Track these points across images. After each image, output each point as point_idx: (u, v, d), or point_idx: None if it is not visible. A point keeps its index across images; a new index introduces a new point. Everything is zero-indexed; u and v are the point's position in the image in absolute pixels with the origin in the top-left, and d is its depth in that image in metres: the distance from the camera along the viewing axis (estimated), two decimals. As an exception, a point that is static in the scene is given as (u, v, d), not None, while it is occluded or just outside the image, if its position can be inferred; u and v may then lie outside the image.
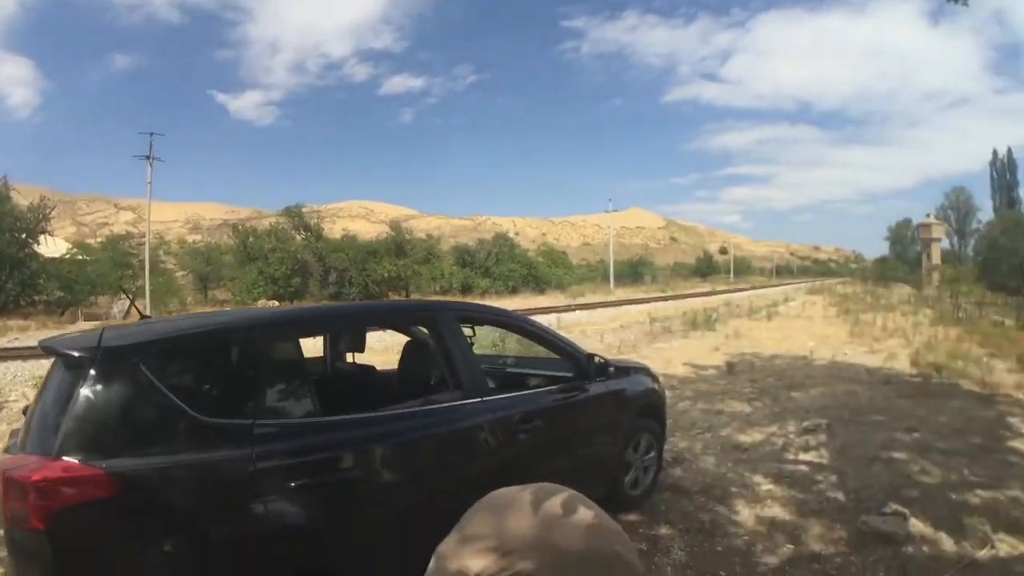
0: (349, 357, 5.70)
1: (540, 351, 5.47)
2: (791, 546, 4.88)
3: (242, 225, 54.68)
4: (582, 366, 5.03)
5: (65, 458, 2.57)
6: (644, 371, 6.18)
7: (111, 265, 37.16)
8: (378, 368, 5.59)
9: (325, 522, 3.06)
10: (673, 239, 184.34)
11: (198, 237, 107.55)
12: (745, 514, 5.50)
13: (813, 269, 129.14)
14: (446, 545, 1.64)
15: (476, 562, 1.34)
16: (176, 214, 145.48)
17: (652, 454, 5.88)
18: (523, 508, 1.65)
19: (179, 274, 49.17)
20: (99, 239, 57.70)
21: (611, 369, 5.25)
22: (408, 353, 4.92)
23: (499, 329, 5.79)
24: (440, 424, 3.81)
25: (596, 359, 5.10)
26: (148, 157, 40.06)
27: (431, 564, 1.61)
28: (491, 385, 4.51)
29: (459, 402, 3.93)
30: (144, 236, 42.68)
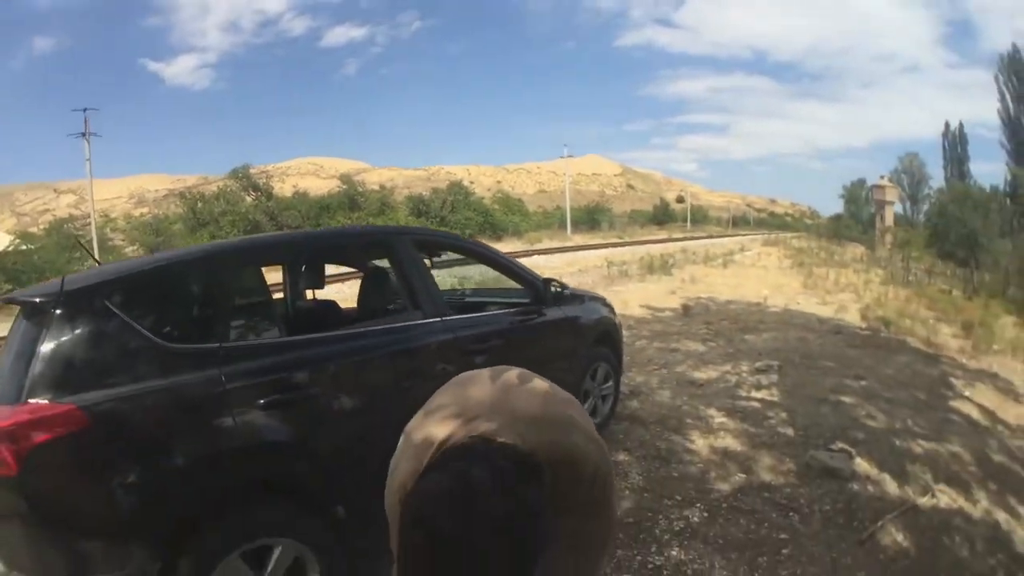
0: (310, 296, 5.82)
1: (498, 285, 5.58)
2: (743, 475, 5.25)
3: (189, 192, 53.46)
4: (539, 291, 5.17)
5: (33, 400, 2.64)
6: (600, 300, 6.38)
7: (58, 250, 35.82)
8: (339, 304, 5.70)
9: (294, 436, 3.23)
10: (630, 187, 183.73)
11: (145, 210, 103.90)
12: (699, 444, 5.85)
13: (769, 222, 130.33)
14: (412, 422, 1.83)
15: (441, 429, 1.52)
16: (119, 190, 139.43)
17: (609, 383, 6.14)
18: (483, 380, 1.86)
19: (129, 249, 47.83)
20: (42, 226, 56.07)
21: (567, 293, 5.44)
22: (367, 281, 5.01)
23: (458, 275, 5.86)
24: (400, 342, 3.96)
25: (553, 284, 5.25)
26: (84, 134, 38.59)
27: (399, 442, 1.78)
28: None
29: (418, 322, 4.08)
30: (89, 217, 41.36)
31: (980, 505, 5.34)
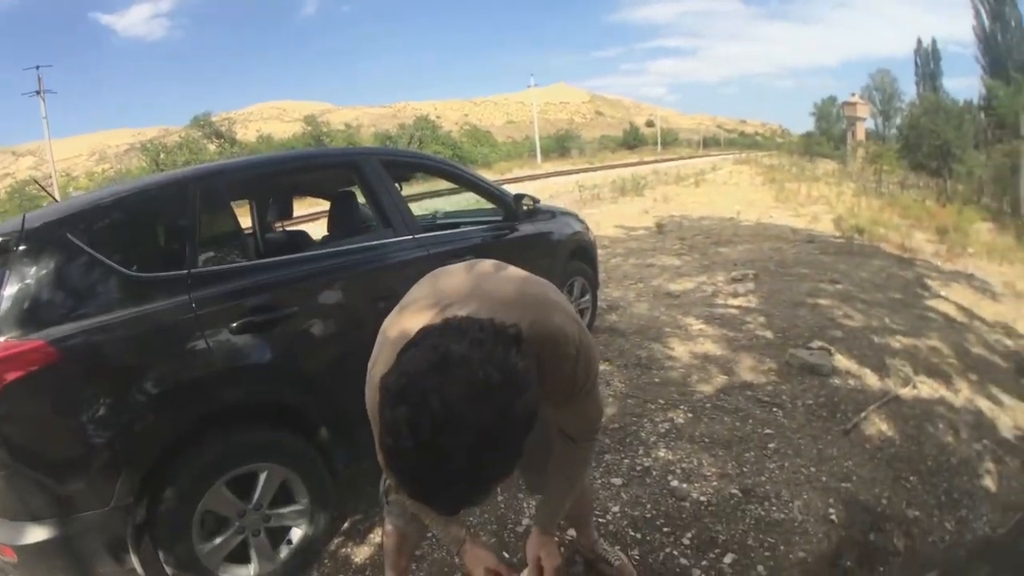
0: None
1: (470, 206, 5.51)
2: (724, 377, 5.32)
3: (151, 144, 52.36)
4: (510, 207, 5.14)
5: (1, 339, 2.58)
6: (572, 215, 6.36)
7: (21, 213, 35.14)
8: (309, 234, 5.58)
9: (270, 358, 3.20)
10: (599, 113, 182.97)
11: (107, 166, 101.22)
12: (679, 350, 5.91)
13: (740, 142, 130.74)
14: (388, 319, 1.83)
15: (416, 320, 1.53)
16: (80, 148, 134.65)
17: (587, 297, 6.18)
18: (457, 271, 1.87)
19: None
20: (3, 192, 54.99)
21: (539, 208, 5.41)
22: (336, 204, 4.92)
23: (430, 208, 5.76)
24: (373, 260, 3.91)
25: (525, 200, 5.22)
26: (39, 92, 37.90)
27: (377, 341, 1.78)
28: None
29: (390, 240, 4.03)
30: (50, 178, 40.40)
31: (962, 394, 5.49)
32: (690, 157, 62.79)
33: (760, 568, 3.13)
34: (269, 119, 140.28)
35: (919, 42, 66.88)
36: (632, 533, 3.37)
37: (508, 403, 1.17)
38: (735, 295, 7.84)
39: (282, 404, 3.32)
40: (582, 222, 6.39)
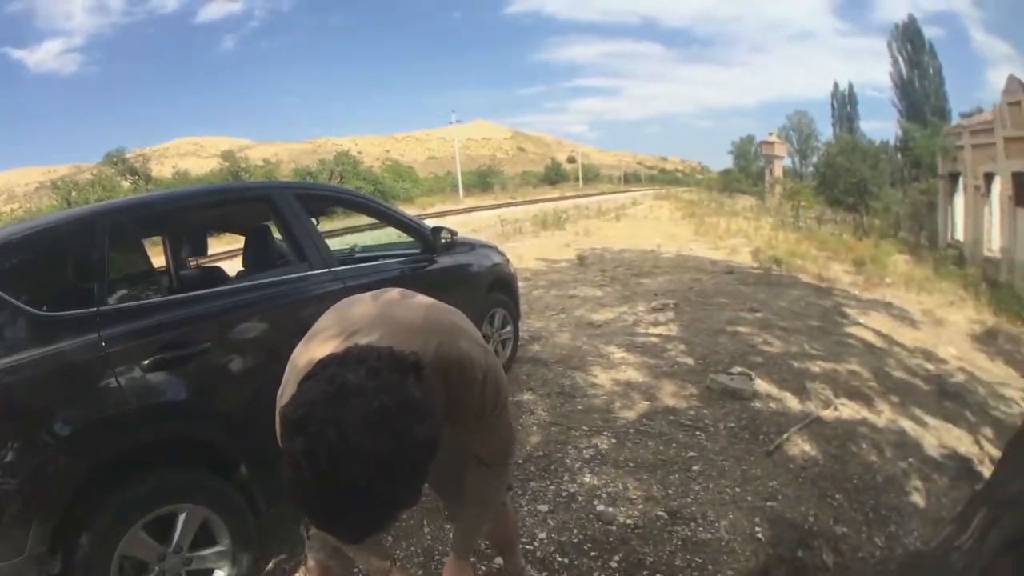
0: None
1: (389, 240, 5.51)
2: (647, 402, 5.38)
3: (61, 182, 51.00)
4: (429, 240, 5.14)
5: None
6: (492, 247, 6.40)
7: None
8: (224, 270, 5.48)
9: (185, 395, 3.11)
10: (521, 149, 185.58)
11: (16, 206, 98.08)
12: (602, 378, 5.96)
13: (660, 178, 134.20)
14: (296, 349, 1.82)
15: (322, 350, 1.52)
16: None
17: (508, 328, 6.19)
18: (364, 300, 1.87)
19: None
20: None
21: (457, 241, 5.43)
22: (250, 239, 4.84)
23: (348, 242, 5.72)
24: (289, 294, 3.85)
25: (443, 233, 5.23)
26: None
27: (285, 372, 1.76)
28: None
29: (307, 273, 3.99)
30: None
31: (884, 415, 5.65)
32: (611, 192, 64.16)
33: None
34: (186, 155, 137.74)
35: (836, 86, 72.01)
36: (559, 559, 3.35)
37: (405, 430, 1.18)
38: (656, 324, 7.97)
39: (199, 442, 3.21)
40: (502, 254, 6.43)
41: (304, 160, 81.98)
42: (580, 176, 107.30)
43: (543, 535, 3.53)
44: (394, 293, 1.84)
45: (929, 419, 5.79)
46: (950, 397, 6.42)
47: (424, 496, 3.48)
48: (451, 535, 2.30)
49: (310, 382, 1.22)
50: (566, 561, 3.33)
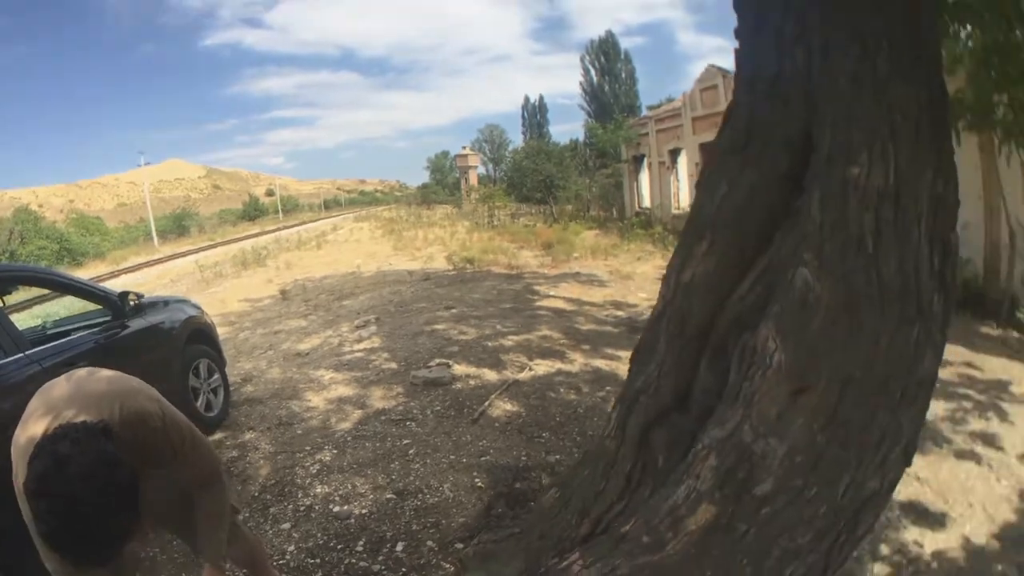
0: None
1: (79, 310, 5.43)
2: (360, 411, 5.87)
3: None
4: (117, 306, 5.18)
5: None
6: (184, 301, 6.50)
7: None
8: None
9: None
10: (217, 187, 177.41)
11: None
12: (316, 401, 6.33)
13: (360, 200, 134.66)
14: (16, 432, 2.18)
15: (37, 428, 2.04)
16: None
17: (216, 376, 6.28)
18: (60, 382, 2.36)
19: None
20: None
21: (146, 302, 5.51)
22: None
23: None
24: None
25: (131, 296, 5.28)
26: None
27: (11, 455, 2.13)
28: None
29: (1, 361, 3.91)
30: None
31: (577, 362, 6.64)
32: (312, 221, 63.56)
33: (429, 543, 3.76)
34: None
35: (527, 99, 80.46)
36: (311, 560, 3.74)
37: (110, 477, 1.69)
38: (360, 340, 8.49)
39: None
40: (196, 306, 6.52)
41: (-24, 218, 72.91)
42: (280, 208, 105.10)
43: (291, 548, 3.87)
44: (83, 372, 2.27)
45: (621, 353, 6.77)
46: (639, 330, 7.53)
47: (176, 553, 3.77)
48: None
49: (36, 461, 1.69)
50: (318, 561, 3.73)
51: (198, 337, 6.23)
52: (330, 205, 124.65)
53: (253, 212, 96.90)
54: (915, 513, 5.01)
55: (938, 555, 4.66)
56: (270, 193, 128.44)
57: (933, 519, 4.99)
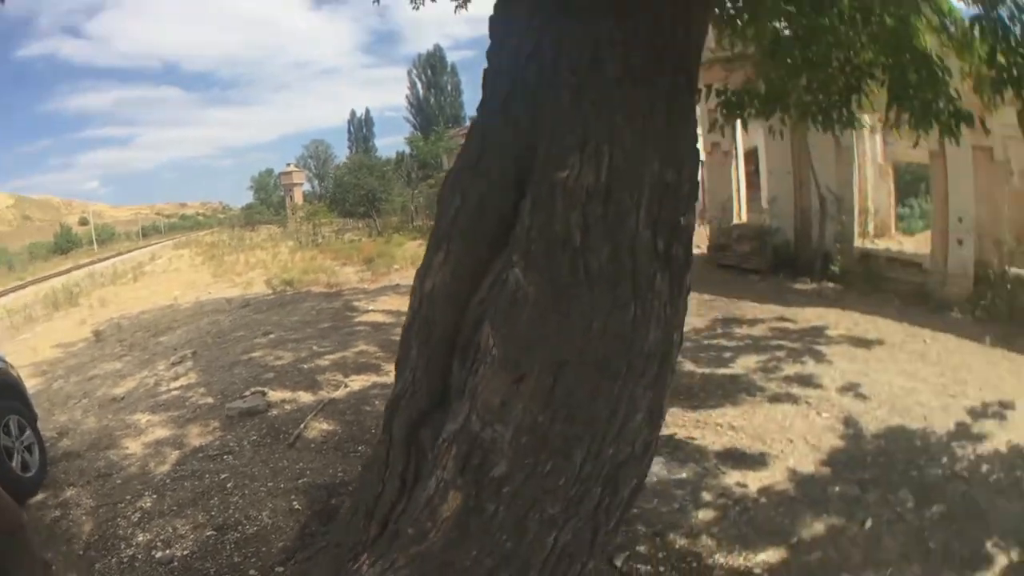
0: None
1: None
2: (178, 451, 5.99)
3: None
4: None
5: None
6: None
7: None
8: None
9: None
10: (26, 218, 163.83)
11: None
12: (133, 447, 6.36)
13: (181, 225, 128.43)
14: None
15: None
16: None
17: (28, 432, 6.11)
18: None
19: None
20: None
21: None
22: None
23: None
24: None
25: None
26: None
27: None
28: None
29: None
30: None
31: (392, 373, 6.88)
32: (129, 251, 60.40)
33: (252, 572, 4.02)
34: None
35: (352, 113, 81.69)
36: None
37: None
38: (177, 377, 8.50)
39: None
40: (2, 360, 6.38)
41: None
42: (94, 239, 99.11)
43: (115, 604, 3.97)
44: None
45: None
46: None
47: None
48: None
49: None
50: (145, 611, 3.83)
51: (5, 393, 6.09)
52: (149, 232, 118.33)
53: (65, 244, 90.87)
54: (733, 459, 5.53)
55: (765, 490, 5.13)
56: (83, 222, 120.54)
57: (753, 460, 5.54)
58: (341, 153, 79.02)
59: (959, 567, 4.48)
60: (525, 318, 2.60)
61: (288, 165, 58.13)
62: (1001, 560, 4.59)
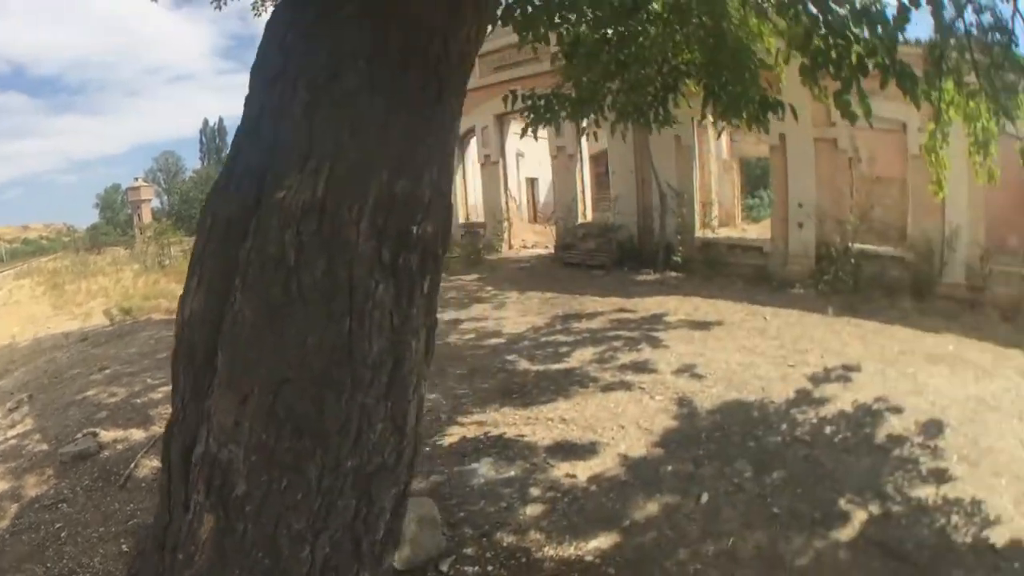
0: None
1: None
2: (16, 504, 5.74)
3: None
4: None
5: None
6: None
7: None
8: None
9: None
10: None
11: None
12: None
13: (24, 251, 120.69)
14: None
15: None
16: None
17: None
18: None
19: None
20: None
21: None
22: None
23: None
24: None
25: None
26: None
27: None
28: None
29: None
30: None
31: None
32: (-40, 285, 56.72)
33: None
34: None
35: (205, 122, 78.21)
36: None
37: None
38: (13, 425, 8.14)
39: None
40: None
41: None
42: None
43: None
44: None
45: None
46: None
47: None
48: None
49: None
50: None
51: None
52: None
53: None
54: (563, 452, 5.80)
55: (595, 478, 5.41)
56: None
57: (583, 451, 5.83)
58: (193, 165, 75.91)
59: (810, 527, 4.80)
60: (243, 339, 2.67)
61: (136, 180, 55.29)
62: (860, 515, 4.95)
